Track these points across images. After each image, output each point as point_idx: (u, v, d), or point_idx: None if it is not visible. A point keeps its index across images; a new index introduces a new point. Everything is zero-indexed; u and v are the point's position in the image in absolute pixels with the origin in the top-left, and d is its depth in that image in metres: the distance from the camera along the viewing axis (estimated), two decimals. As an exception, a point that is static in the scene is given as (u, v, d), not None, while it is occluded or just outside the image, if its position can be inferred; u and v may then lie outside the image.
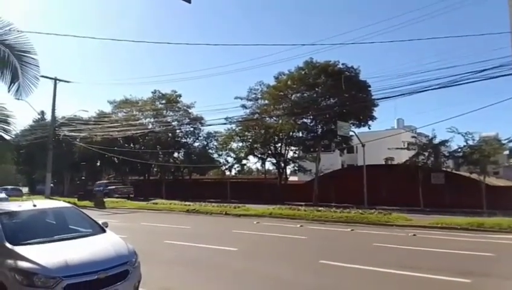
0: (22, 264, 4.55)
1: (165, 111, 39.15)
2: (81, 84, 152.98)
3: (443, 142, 24.28)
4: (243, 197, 28.81)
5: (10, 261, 4.63)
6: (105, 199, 29.01)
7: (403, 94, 19.86)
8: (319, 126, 30.43)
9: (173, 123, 38.89)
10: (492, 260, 9.07)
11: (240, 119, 32.94)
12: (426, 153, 24.36)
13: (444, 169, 25.14)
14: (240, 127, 34.56)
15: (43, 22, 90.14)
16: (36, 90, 9.70)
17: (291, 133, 31.97)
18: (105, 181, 38.07)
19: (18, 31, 8.93)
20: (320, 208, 19.85)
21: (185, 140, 40.16)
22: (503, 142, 23.17)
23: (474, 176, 22.87)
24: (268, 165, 40.03)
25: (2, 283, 4.56)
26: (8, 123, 8.98)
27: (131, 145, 39.38)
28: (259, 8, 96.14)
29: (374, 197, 23.64)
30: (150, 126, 38.58)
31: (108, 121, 36.20)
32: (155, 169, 42.19)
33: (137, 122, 36.88)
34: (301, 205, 21.85)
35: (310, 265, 8.45)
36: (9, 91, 9.16)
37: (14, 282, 4.45)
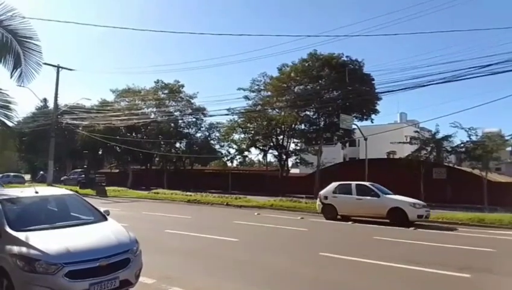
0: (24, 250, 4.55)
1: (167, 101, 39.10)
2: (84, 73, 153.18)
3: (446, 137, 24.20)
4: (244, 189, 28.87)
5: (12, 247, 4.64)
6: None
7: (407, 88, 19.83)
8: (322, 119, 30.38)
9: (175, 113, 38.86)
10: (493, 255, 9.07)
11: (243, 111, 32.92)
12: (428, 148, 24.30)
13: (446, 164, 25.09)
14: (242, 119, 34.52)
15: (46, 9, 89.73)
16: (39, 77, 9.67)
17: (293, 126, 31.93)
18: (80, 170, 38.09)
19: (21, 16, 8.87)
20: (321, 201, 19.80)
21: (187, 130, 40.19)
22: (507, 138, 23.10)
23: (476, 171, 22.83)
24: (270, 157, 40.18)
25: (4, 268, 4.58)
26: (10, 109, 8.93)
27: (134, 134, 39.43)
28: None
29: (375, 191, 23.54)
30: (152, 116, 38.61)
31: (110, 109, 36.25)
32: (157, 159, 42.28)
33: (140, 111, 36.89)
34: (302, 198, 21.88)
35: (309, 257, 8.47)
36: (11, 77, 9.13)
37: (16, 268, 4.46)
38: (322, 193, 16.41)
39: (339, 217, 15.28)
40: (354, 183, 15.80)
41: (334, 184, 16.36)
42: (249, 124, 34.76)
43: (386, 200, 14.48)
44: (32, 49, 9.00)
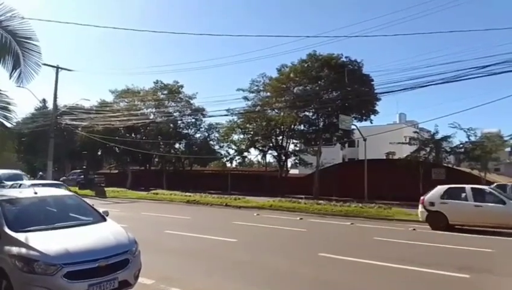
0: (23, 251, 4.55)
1: (166, 101, 39.04)
2: (83, 73, 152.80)
3: (445, 138, 24.24)
4: (243, 189, 28.85)
5: (11, 248, 4.64)
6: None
7: (406, 88, 19.81)
8: (321, 119, 30.37)
9: (175, 114, 38.80)
10: (492, 256, 9.08)
11: (242, 111, 32.90)
12: (428, 149, 24.35)
13: (445, 165, 25.12)
14: (241, 119, 34.50)
15: (45, 10, 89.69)
16: (38, 78, 9.63)
17: (292, 126, 31.92)
18: (79, 171, 37.72)
19: (20, 17, 8.85)
20: (320, 202, 19.89)
21: (187, 131, 40.13)
22: (505, 138, 23.15)
23: (475, 172, 22.86)
24: (269, 158, 40.11)
25: (3, 269, 4.58)
26: (9, 110, 8.90)
27: (133, 135, 39.35)
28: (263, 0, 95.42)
29: (374, 191, 23.62)
30: (152, 116, 38.54)
31: (109, 110, 36.17)
32: (156, 159, 42.24)
33: (139, 112, 36.82)
34: (301, 198, 21.89)
35: (309, 257, 8.47)
36: (10, 78, 9.09)
37: (15, 269, 4.46)
38: (426, 198, 13.55)
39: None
40: (468, 187, 13.23)
41: (441, 188, 13.64)
42: (248, 125, 34.73)
43: None
44: (31, 49, 8.97)
